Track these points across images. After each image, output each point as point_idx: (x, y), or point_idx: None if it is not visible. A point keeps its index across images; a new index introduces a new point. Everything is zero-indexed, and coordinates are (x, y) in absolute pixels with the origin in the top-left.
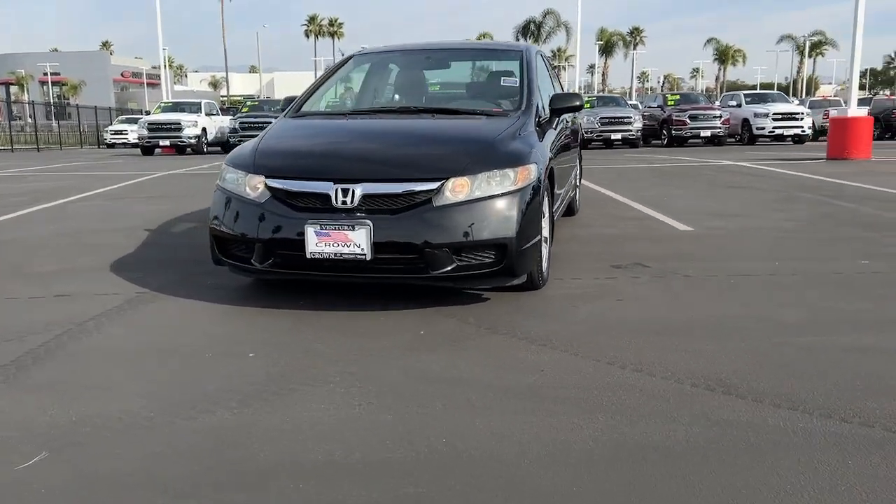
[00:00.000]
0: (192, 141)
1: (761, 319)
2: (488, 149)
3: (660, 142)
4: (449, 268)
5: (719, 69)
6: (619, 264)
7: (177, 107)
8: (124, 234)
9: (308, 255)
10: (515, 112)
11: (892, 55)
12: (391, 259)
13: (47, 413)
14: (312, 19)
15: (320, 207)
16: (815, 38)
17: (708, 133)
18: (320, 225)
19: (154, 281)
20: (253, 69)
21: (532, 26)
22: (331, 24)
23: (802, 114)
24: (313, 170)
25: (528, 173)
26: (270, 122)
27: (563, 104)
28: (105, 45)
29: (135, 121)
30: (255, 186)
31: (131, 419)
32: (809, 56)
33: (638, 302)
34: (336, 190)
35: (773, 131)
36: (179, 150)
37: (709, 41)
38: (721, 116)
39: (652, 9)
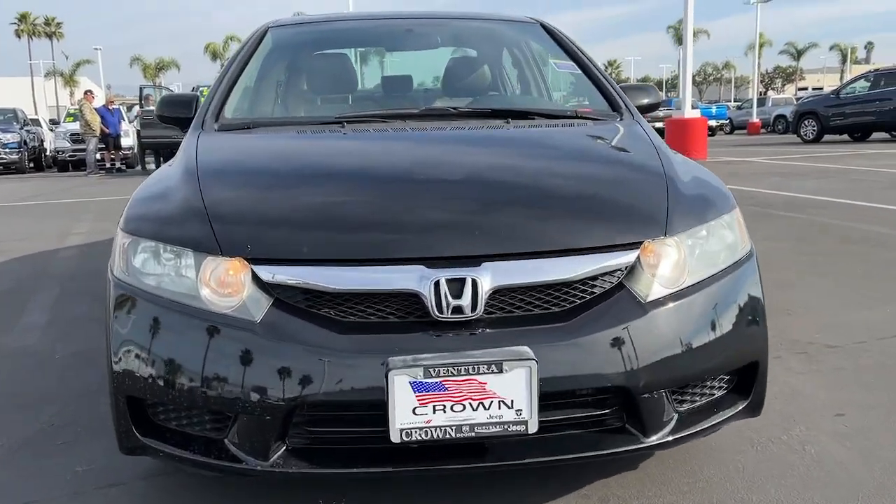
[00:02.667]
0: None
1: None
2: (674, 180)
3: None
4: (671, 425)
5: None
6: None
7: None
8: None
9: (396, 436)
10: (619, 114)
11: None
12: (564, 422)
13: None
14: (23, 17)
15: (399, 322)
16: None
17: None
18: (425, 369)
19: None
20: None
21: None
22: (47, 23)
23: None
24: (374, 242)
25: (742, 221)
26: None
27: (643, 101)
28: None
29: None
30: (227, 285)
31: None
32: None
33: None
34: (436, 284)
35: None
36: None
37: None
38: None
39: None
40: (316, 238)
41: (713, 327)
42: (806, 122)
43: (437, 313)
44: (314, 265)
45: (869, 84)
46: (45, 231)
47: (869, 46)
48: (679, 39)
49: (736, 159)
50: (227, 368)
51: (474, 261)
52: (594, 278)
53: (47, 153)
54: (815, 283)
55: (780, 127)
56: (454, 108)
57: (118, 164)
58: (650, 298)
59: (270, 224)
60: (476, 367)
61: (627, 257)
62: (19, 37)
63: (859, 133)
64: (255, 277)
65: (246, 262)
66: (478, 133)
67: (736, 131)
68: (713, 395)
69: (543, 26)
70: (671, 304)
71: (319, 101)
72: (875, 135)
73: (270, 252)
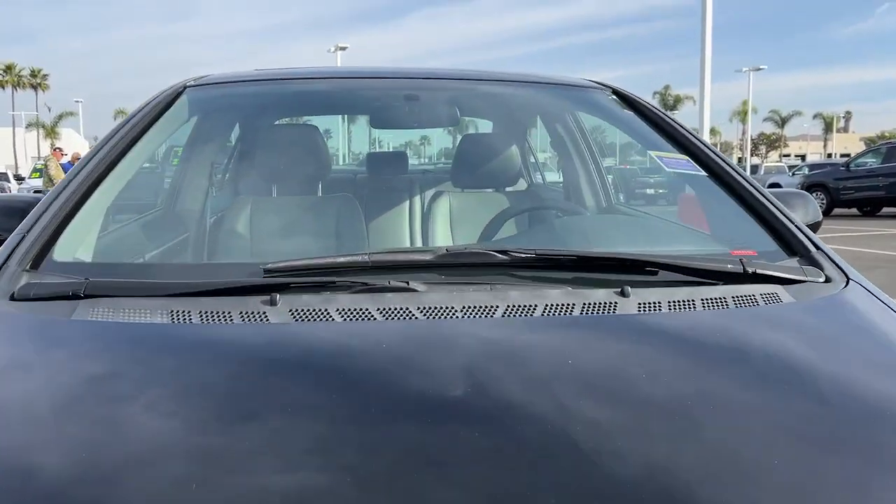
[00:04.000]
0: None
1: None
2: None
3: None
4: None
5: None
6: None
7: None
8: None
9: None
10: (815, 266)
11: None
12: None
13: None
14: (9, 68)
15: None
16: None
17: None
18: None
19: None
20: None
21: None
22: (33, 74)
23: None
24: None
25: None
26: None
27: (808, 219)
28: None
29: None
30: None
31: None
32: None
33: None
34: None
35: None
36: None
37: None
38: None
39: None
40: None
41: None
42: (815, 194)
43: None
44: None
45: (881, 157)
46: None
47: (847, 115)
48: (665, 104)
49: None
50: None
51: None
52: None
53: None
54: None
55: None
56: (502, 253)
57: None
58: None
59: None
60: None
61: None
62: (3, 87)
63: (868, 207)
64: None
65: None
66: (575, 330)
67: None
68: None
69: (619, 94)
70: None
71: (244, 223)
72: (885, 210)
73: None
